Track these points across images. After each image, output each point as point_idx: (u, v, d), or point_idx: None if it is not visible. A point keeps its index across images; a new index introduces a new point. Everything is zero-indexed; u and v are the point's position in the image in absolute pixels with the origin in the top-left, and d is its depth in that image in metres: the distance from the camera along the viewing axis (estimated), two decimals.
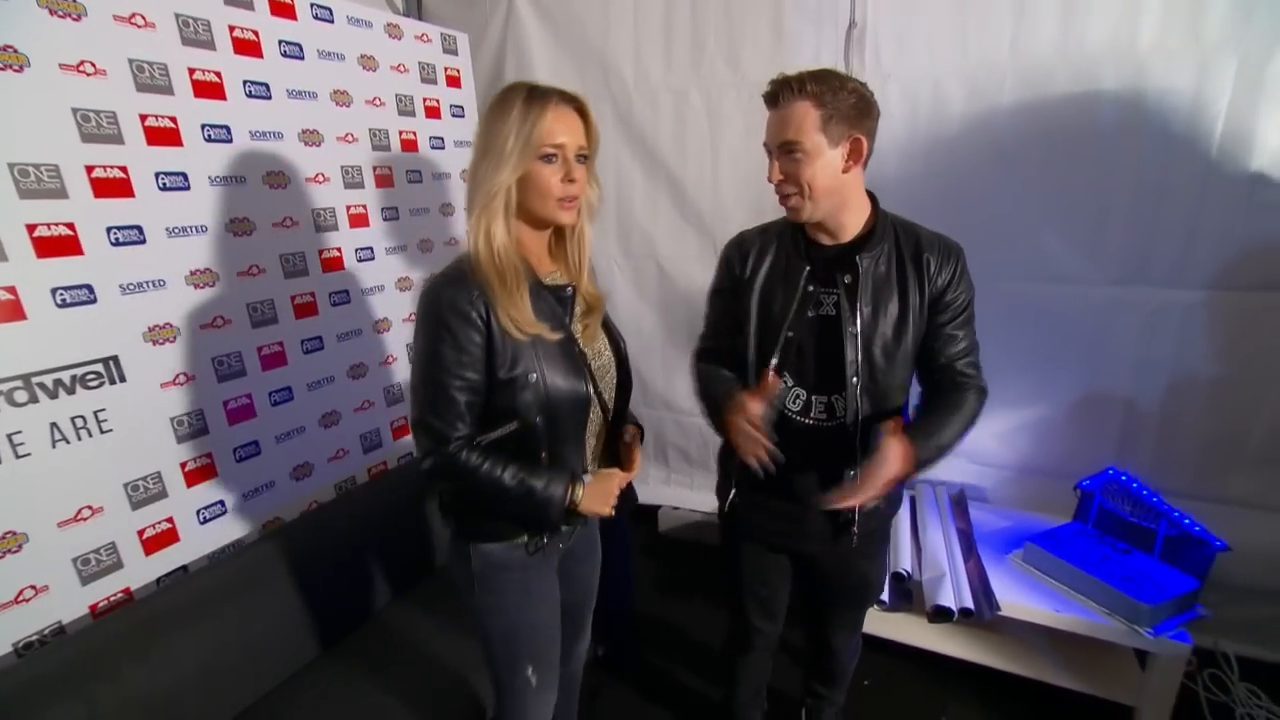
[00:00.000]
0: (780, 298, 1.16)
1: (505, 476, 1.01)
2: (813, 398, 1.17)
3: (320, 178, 1.76)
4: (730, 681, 1.56)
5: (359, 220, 1.89)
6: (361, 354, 1.92)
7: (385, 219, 1.98)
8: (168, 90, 1.39)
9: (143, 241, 1.37)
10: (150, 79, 1.36)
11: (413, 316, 2.06)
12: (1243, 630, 1.74)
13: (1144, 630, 1.40)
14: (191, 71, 1.43)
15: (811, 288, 1.13)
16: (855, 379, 1.12)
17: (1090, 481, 1.67)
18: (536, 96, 1.00)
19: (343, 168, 1.83)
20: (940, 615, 1.44)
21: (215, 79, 1.48)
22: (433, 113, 2.11)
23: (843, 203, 1.10)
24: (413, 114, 2.04)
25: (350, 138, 1.84)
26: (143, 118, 1.35)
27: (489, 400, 1.04)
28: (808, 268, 1.14)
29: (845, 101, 1.03)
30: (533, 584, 1.16)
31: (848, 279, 1.11)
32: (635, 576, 1.98)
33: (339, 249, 1.84)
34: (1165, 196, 1.61)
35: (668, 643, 2.04)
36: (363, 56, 1.86)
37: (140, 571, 1.40)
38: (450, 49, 2.17)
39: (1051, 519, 1.81)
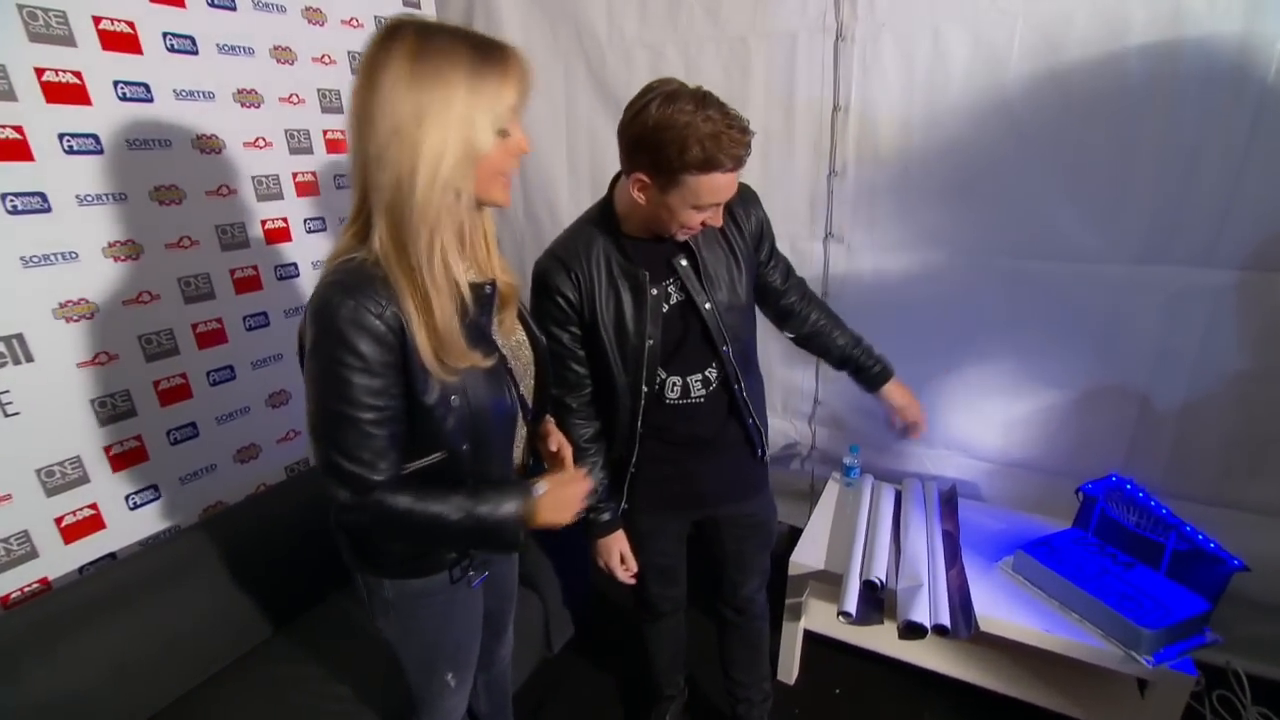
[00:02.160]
0: (631, 313, 1.12)
1: (447, 511, 0.85)
2: (688, 380, 1.18)
3: (261, 142, 1.64)
4: (645, 653, 1.56)
5: (307, 188, 1.77)
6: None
7: (339, 188, 1.86)
8: (68, 41, 1.27)
9: (48, 210, 1.27)
10: (46, 27, 1.24)
11: None
12: (1258, 648, 1.56)
13: (1142, 657, 1.24)
14: (97, 20, 1.31)
15: (655, 291, 1.11)
16: (725, 347, 1.15)
17: (1094, 485, 1.50)
18: (491, 55, 0.77)
19: (287, 131, 1.70)
20: (912, 631, 1.30)
21: (128, 30, 1.36)
22: None
23: None
24: None
25: (295, 99, 1.72)
26: (39, 72, 1.23)
27: (408, 428, 0.86)
28: (646, 273, 1.10)
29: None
30: (454, 604, 1.04)
31: (684, 262, 1.11)
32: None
33: (284, 219, 1.73)
34: (1199, 161, 1.39)
35: (633, 638, 1.95)
36: (308, 9, 1.71)
37: (59, 561, 1.34)
38: (412, 2, 2.01)
39: (1050, 522, 1.65)
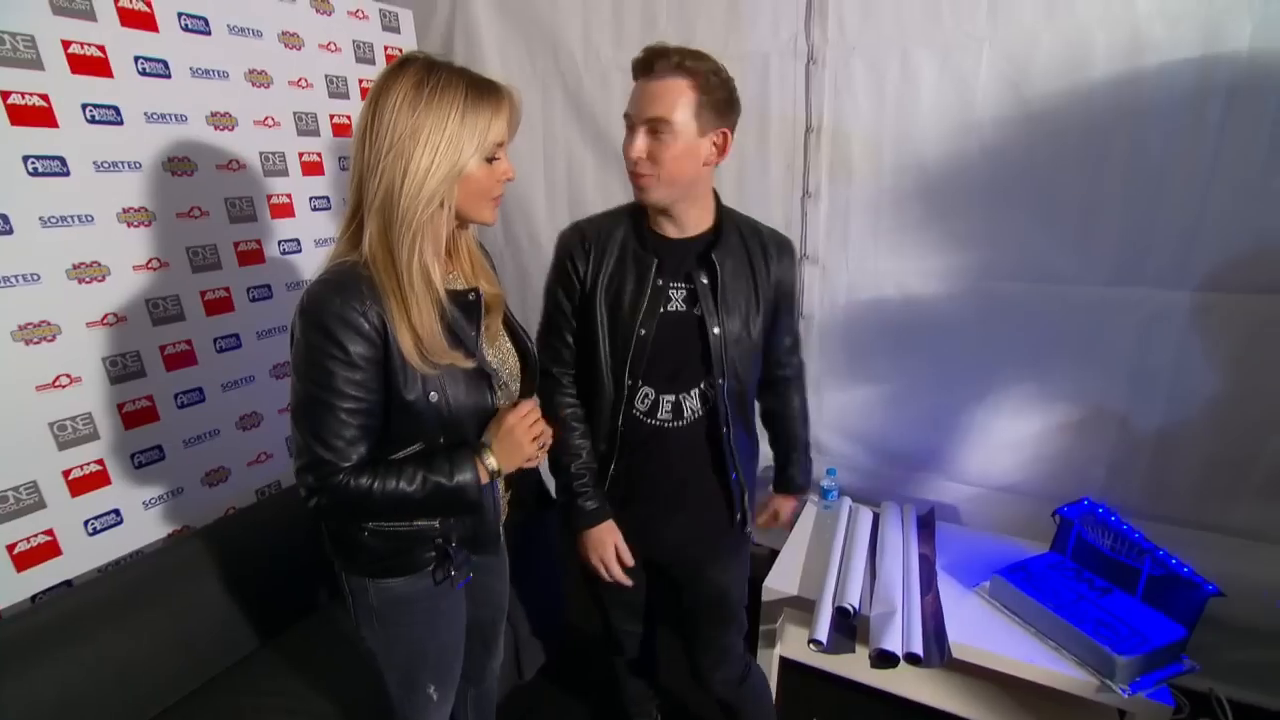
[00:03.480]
0: (630, 296, 1.09)
1: (404, 485, 0.89)
2: (661, 397, 1.12)
3: (234, 164, 1.64)
4: (615, 681, 1.52)
5: (282, 210, 1.77)
6: (286, 353, 1.80)
7: (314, 209, 1.86)
8: (35, 65, 1.27)
9: (9, 232, 1.26)
10: (13, 52, 1.24)
11: None
12: (1241, 674, 1.53)
13: (1118, 686, 1.21)
14: (66, 44, 1.31)
15: (661, 282, 1.08)
16: (720, 380, 1.09)
17: (1070, 509, 1.48)
18: (484, 90, 0.88)
19: (261, 153, 1.71)
20: (884, 660, 1.27)
21: (98, 54, 1.36)
22: None
23: (695, 195, 1.07)
24: (346, 96, 1.91)
25: (270, 121, 1.72)
26: (3, 95, 1.23)
27: (386, 422, 0.91)
28: (656, 261, 1.08)
29: (719, 91, 0.99)
30: (438, 608, 1.07)
31: (704, 278, 1.07)
32: (563, 578, 1.84)
33: (258, 241, 1.72)
34: (1165, 185, 1.40)
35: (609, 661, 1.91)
36: (284, 34, 1.73)
37: (8, 590, 1.31)
38: (391, 26, 2.03)
39: (1029, 546, 1.62)
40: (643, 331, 1.08)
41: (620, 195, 2.06)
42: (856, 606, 1.42)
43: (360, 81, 1.94)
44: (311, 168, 1.84)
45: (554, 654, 1.82)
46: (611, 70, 1.95)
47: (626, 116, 1.03)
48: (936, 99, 1.55)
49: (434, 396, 0.91)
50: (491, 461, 0.95)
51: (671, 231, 1.10)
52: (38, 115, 1.28)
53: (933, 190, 1.61)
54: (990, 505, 1.78)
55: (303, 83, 1.79)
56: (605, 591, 1.26)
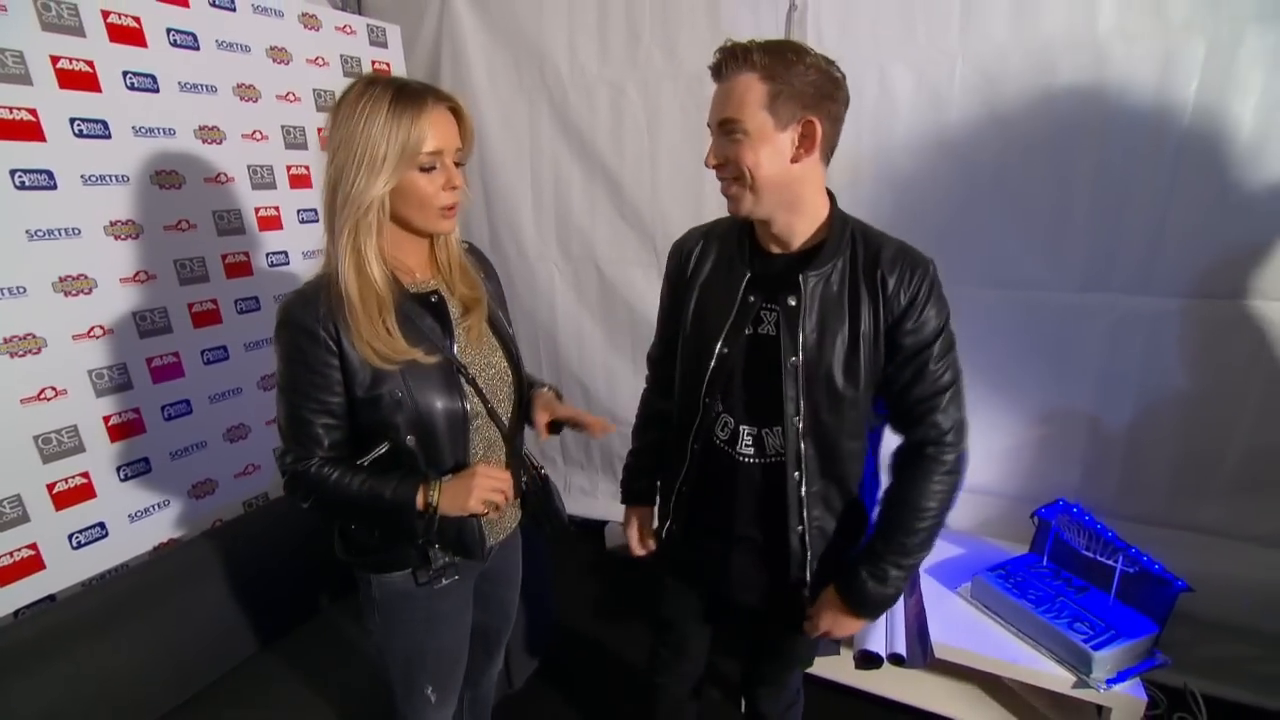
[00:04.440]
0: (716, 308, 1.01)
1: (353, 485, 0.94)
2: (741, 428, 1.02)
3: (223, 178, 1.66)
4: (648, 706, 1.42)
5: (270, 223, 1.78)
6: (273, 364, 1.80)
7: (302, 221, 1.87)
8: (24, 80, 1.28)
9: None
10: (2, 66, 1.25)
11: None
12: (1214, 669, 1.58)
13: (1094, 682, 1.25)
14: (55, 60, 1.32)
15: (752, 298, 0.98)
16: (796, 418, 0.96)
17: (1047, 509, 1.52)
18: (408, 98, 0.89)
19: (249, 167, 1.72)
20: (868, 661, 1.30)
21: (86, 69, 1.37)
22: None
23: (792, 200, 0.93)
24: None
25: (259, 135, 1.74)
26: None
27: (355, 420, 0.97)
28: (748, 274, 0.98)
29: (802, 78, 0.86)
30: (438, 610, 1.10)
31: (791, 300, 0.95)
32: (553, 595, 1.86)
33: (246, 253, 1.73)
34: (1129, 196, 1.46)
35: (598, 671, 1.92)
36: (272, 48, 1.75)
37: None
38: (379, 41, 2.05)
39: (1009, 547, 1.66)
40: (725, 350, 0.99)
41: (606, 209, 2.12)
42: None
43: None
44: (299, 180, 1.85)
45: (544, 662, 1.82)
46: (597, 84, 1.99)
47: (708, 125, 0.95)
48: (912, 112, 1.61)
49: (397, 394, 0.94)
50: (434, 495, 0.95)
51: (774, 247, 0.99)
52: (26, 130, 1.29)
53: (909, 200, 1.66)
54: (970, 508, 1.81)
55: (290, 97, 1.81)
56: (660, 617, 1.28)
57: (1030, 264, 1.58)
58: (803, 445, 0.97)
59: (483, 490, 0.96)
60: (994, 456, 1.73)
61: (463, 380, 1.01)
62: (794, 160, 0.90)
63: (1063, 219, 1.53)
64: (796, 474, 0.98)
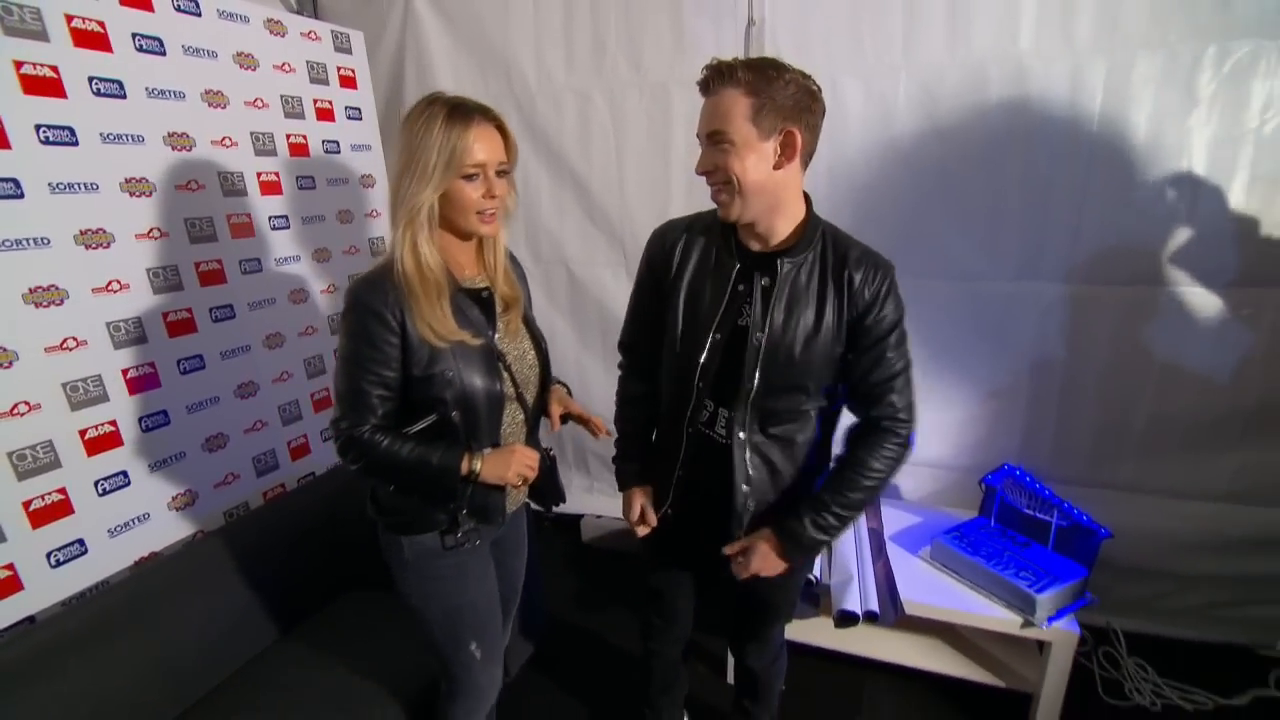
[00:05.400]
0: (709, 296, 1.10)
1: (403, 450, 1.06)
2: (719, 410, 1.13)
3: (194, 185, 1.63)
4: (644, 670, 1.52)
5: (242, 230, 1.76)
6: (250, 371, 1.79)
7: (274, 228, 1.86)
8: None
9: None
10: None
11: (309, 330, 1.97)
12: (1130, 608, 1.81)
13: (1038, 621, 1.43)
14: (18, 65, 1.29)
15: (742, 287, 1.07)
16: (749, 385, 1.07)
17: (992, 476, 1.71)
18: (458, 115, 1.02)
19: (220, 173, 1.70)
20: (846, 620, 1.43)
21: (50, 74, 1.34)
22: (325, 115, 1.99)
23: (775, 204, 1.03)
24: (302, 116, 1.93)
25: (228, 141, 1.72)
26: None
27: (408, 394, 1.09)
28: (738, 266, 1.08)
29: (782, 92, 0.96)
30: (468, 565, 1.21)
31: (764, 281, 1.05)
32: (542, 574, 1.92)
33: (219, 260, 1.71)
34: (1051, 196, 1.66)
35: (588, 658, 1.99)
36: (239, 54, 1.73)
37: None
38: (343, 47, 2.05)
39: (961, 514, 1.85)
40: (717, 335, 1.08)
41: (575, 213, 2.19)
42: (818, 576, 1.57)
43: (315, 101, 1.96)
44: (270, 187, 1.84)
45: (539, 648, 1.88)
46: (564, 92, 2.06)
47: (697, 137, 1.04)
48: (862, 120, 1.76)
49: (449, 374, 1.07)
50: (477, 463, 1.09)
51: (755, 243, 1.09)
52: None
53: (864, 203, 1.81)
54: (926, 480, 2.00)
55: (259, 103, 1.80)
56: (650, 584, 1.35)
57: (971, 258, 1.76)
58: (749, 413, 1.09)
59: (519, 465, 1.11)
60: (945, 434, 1.91)
61: (501, 366, 1.14)
62: (777, 167, 1.00)
63: (997, 215, 1.72)
64: (741, 434, 1.10)
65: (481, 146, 1.03)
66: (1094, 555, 1.48)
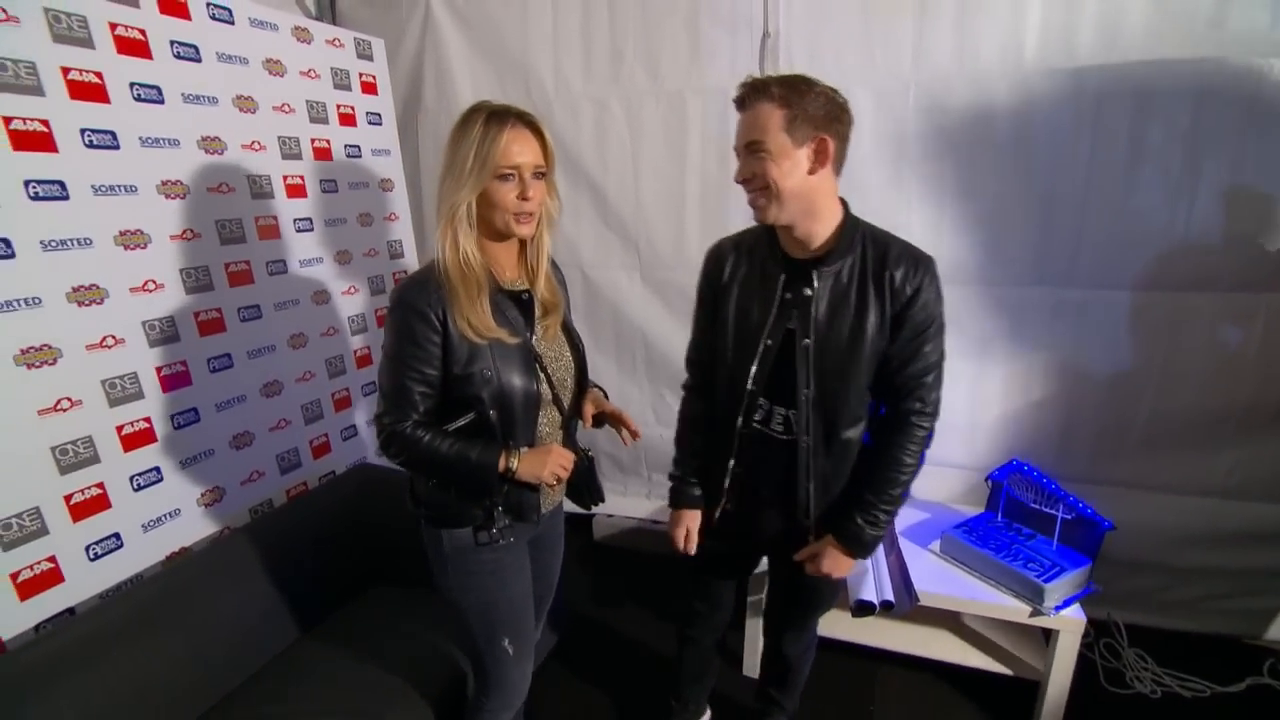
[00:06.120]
0: (758, 305, 1.16)
1: (443, 446, 1.10)
2: (774, 408, 1.19)
3: (224, 187, 1.67)
4: (677, 659, 1.59)
5: (269, 231, 1.80)
6: (275, 371, 1.83)
7: (299, 230, 1.90)
8: (36, 91, 1.28)
9: (11, 255, 1.26)
10: (15, 77, 1.25)
11: (331, 330, 2.01)
12: (1131, 600, 1.88)
13: (1046, 609, 1.49)
14: (66, 71, 1.33)
15: (789, 295, 1.13)
16: (806, 390, 1.13)
17: (999, 472, 1.77)
18: (495, 119, 1.06)
19: (249, 176, 1.74)
20: (862, 609, 1.48)
21: (95, 80, 1.38)
22: (347, 120, 2.04)
23: (811, 208, 1.09)
24: (326, 121, 1.97)
25: (257, 145, 1.76)
26: (5, 120, 1.24)
27: (448, 392, 1.12)
28: (784, 275, 1.14)
29: (813, 104, 1.03)
30: (505, 561, 1.23)
31: (807, 290, 1.12)
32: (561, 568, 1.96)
33: (247, 261, 1.75)
34: (1055, 203, 1.73)
35: (607, 651, 2.03)
36: (268, 60, 1.78)
37: (12, 619, 1.28)
38: (365, 54, 2.10)
39: (967, 510, 1.91)
40: (769, 342, 1.15)
41: (590, 217, 2.24)
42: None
43: (337, 106, 2.00)
44: (295, 190, 1.88)
45: (562, 639, 1.92)
46: (581, 100, 2.12)
47: (735, 150, 1.12)
48: (873, 129, 1.83)
49: (488, 373, 1.10)
50: (514, 461, 1.12)
51: (796, 251, 1.14)
52: (39, 141, 1.29)
53: (873, 209, 1.86)
54: (935, 479, 2.04)
55: (285, 108, 1.84)
56: (695, 568, 1.40)
57: (980, 263, 1.83)
58: (811, 415, 1.15)
59: (554, 464, 1.14)
60: (955, 434, 1.97)
61: (538, 367, 1.16)
62: (810, 172, 1.07)
63: (1004, 222, 1.79)
64: (806, 438, 1.17)
65: (517, 149, 1.07)
66: (1098, 546, 1.54)
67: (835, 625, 1.77)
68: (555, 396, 1.21)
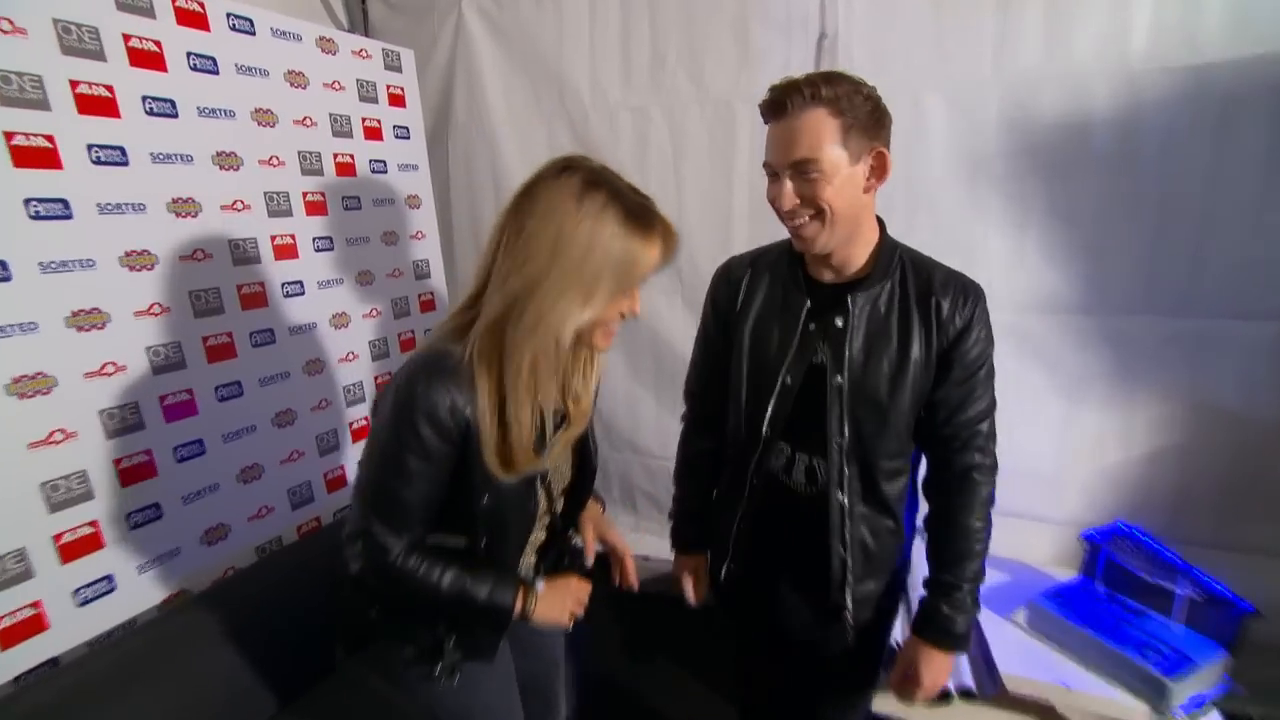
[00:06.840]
0: (777, 337, 1.01)
1: (442, 580, 0.89)
2: (796, 455, 1.03)
3: (239, 205, 1.58)
4: None
5: (286, 251, 1.71)
6: (289, 399, 1.72)
7: (318, 249, 1.80)
8: (42, 105, 1.21)
9: (7, 279, 1.17)
10: (19, 92, 1.18)
11: (350, 356, 1.89)
12: (1274, 694, 1.56)
13: (1169, 710, 1.22)
14: (74, 84, 1.25)
15: (813, 326, 0.98)
16: (840, 438, 0.97)
17: (1097, 532, 1.51)
18: (638, 222, 0.81)
19: (266, 194, 1.65)
20: (939, 697, 1.25)
21: (106, 93, 1.31)
22: (373, 134, 1.94)
23: (855, 230, 0.94)
24: (350, 135, 1.88)
25: (275, 160, 1.67)
26: (8, 136, 1.16)
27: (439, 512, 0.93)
28: (809, 303, 0.99)
29: (863, 108, 0.87)
30: (477, 664, 1.03)
31: (839, 321, 0.96)
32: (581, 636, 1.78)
33: (261, 284, 1.65)
34: (1167, 221, 1.48)
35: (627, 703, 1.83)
36: (290, 72, 1.69)
37: None
38: (393, 65, 2.01)
39: (1056, 572, 1.64)
40: (788, 380, 0.99)
41: None
42: (899, 642, 1.39)
43: (363, 120, 1.91)
44: (315, 207, 1.78)
45: (576, 704, 1.73)
46: (619, 110, 1.97)
47: (766, 166, 0.93)
48: (946, 140, 1.62)
49: (485, 497, 0.90)
50: (532, 603, 0.95)
51: (828, 276, 1.00)
52: (43, 157, 1.21)
53: (944, 227, 1.66)
54: (1014, 532, 1.78)
55: (307, 122, 1.75)
56: (737, 660, 1.28)
57: (1074, 290, 1.59)
58: (846, 467, 0.98)
59: (574, 604, 0.99)
60: (1040, 481, 1.71)
61: (539, 485, 0.98)
62: (866, 190, 0.92)
63: (1101, 244, 1.54)
64: (840, 494, 0.99)
65: (656, 260, 0.85)
66: (1235, 633, 1.27)
67: (903, 707, 1.53)
68: (551, 510, 1.05)
